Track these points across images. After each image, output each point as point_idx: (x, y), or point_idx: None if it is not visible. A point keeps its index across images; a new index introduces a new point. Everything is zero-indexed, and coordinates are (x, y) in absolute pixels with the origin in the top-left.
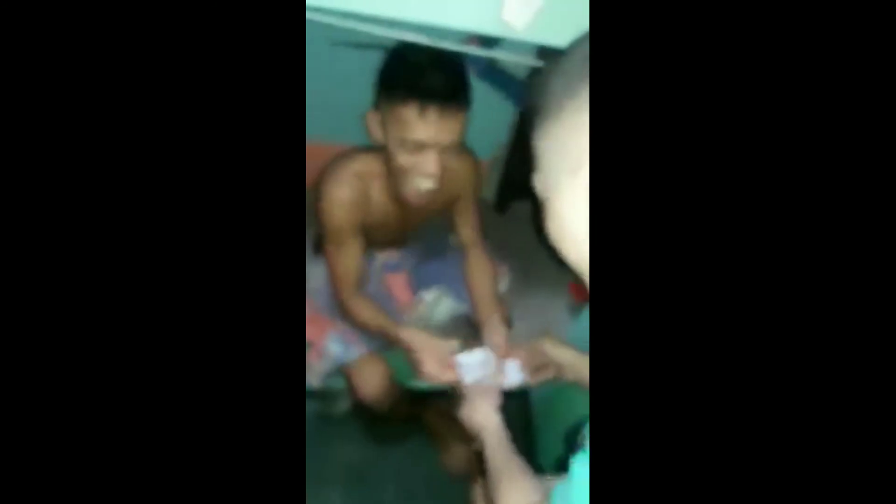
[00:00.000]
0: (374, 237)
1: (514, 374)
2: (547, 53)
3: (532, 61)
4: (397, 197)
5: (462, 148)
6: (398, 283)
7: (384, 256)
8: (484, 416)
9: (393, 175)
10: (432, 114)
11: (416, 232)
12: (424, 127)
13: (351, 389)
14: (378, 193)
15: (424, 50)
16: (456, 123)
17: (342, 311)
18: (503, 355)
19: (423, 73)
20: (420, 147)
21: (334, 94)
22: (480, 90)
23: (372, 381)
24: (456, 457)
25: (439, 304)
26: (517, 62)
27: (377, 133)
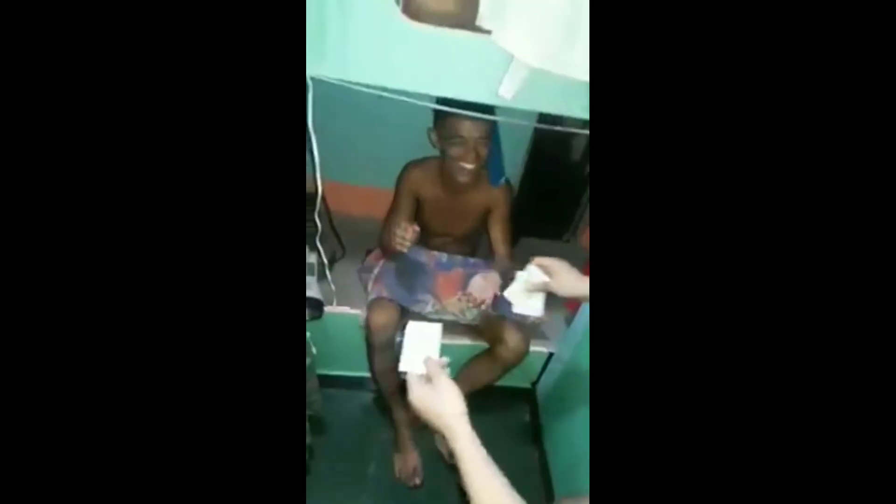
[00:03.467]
0: (430, 225)
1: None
2: (545, 118)
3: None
4: (448, 184)
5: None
6: (447, 279)
7: (436, 256)
8: (440, 404)
9: (446, 167)
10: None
11: (462, 234)
12: (462, 126)
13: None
14: (434, 183)
15: None
16: (482, 122)
17: (384, 238)
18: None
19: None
20: (462, 141)
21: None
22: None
23: (382, 316)
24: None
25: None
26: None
27: (435, 141)
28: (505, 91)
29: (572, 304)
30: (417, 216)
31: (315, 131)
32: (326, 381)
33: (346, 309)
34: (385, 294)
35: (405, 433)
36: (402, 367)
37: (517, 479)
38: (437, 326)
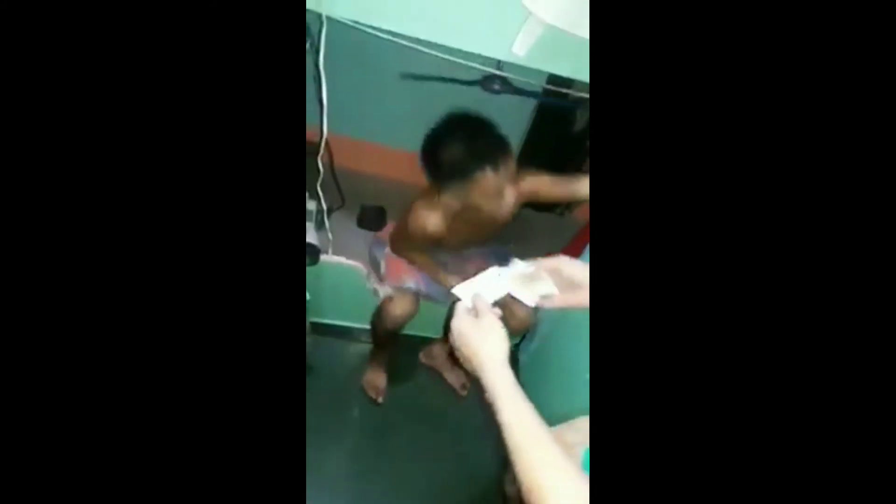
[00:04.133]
0: (451, 242)
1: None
2: (555, 79)
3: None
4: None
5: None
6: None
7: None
8: (481, 343)
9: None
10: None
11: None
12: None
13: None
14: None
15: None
16: (508, 166)
17: (399, 250)
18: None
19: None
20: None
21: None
22: (501, 100)
23: (403, 307)
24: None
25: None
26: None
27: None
28: (518, 47)
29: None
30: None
31: (325, 74)
32: (317, 329)
33: (341, 259)
34: (420, 287)
35: (382, 354)
36: (456, 291)
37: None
38: (520, 271)
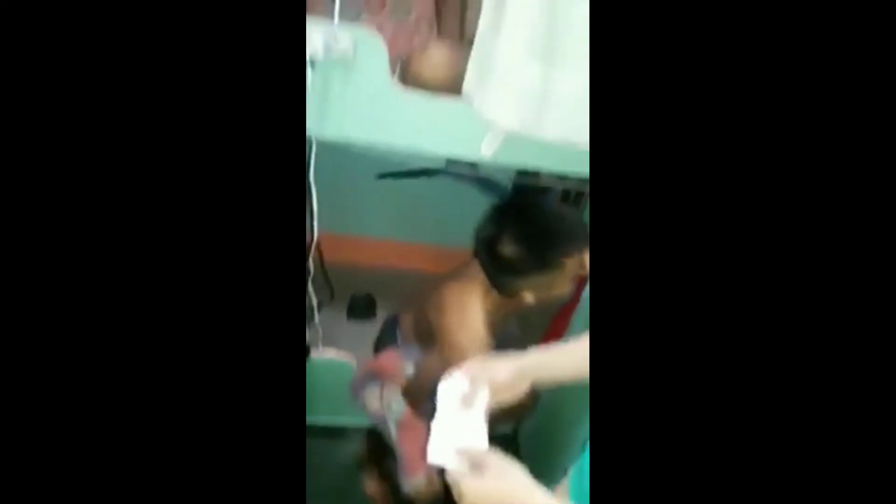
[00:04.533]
0: None
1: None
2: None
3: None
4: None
5: None
6: None
7: None
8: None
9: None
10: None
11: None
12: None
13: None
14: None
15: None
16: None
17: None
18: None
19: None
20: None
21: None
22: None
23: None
24: None
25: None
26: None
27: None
28: (486, 149)
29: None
30: None
31: (315, 185)
32: (310, 431)
33: (331, 352)
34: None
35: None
36: (431, 459)
37: None
38: (480, 408)
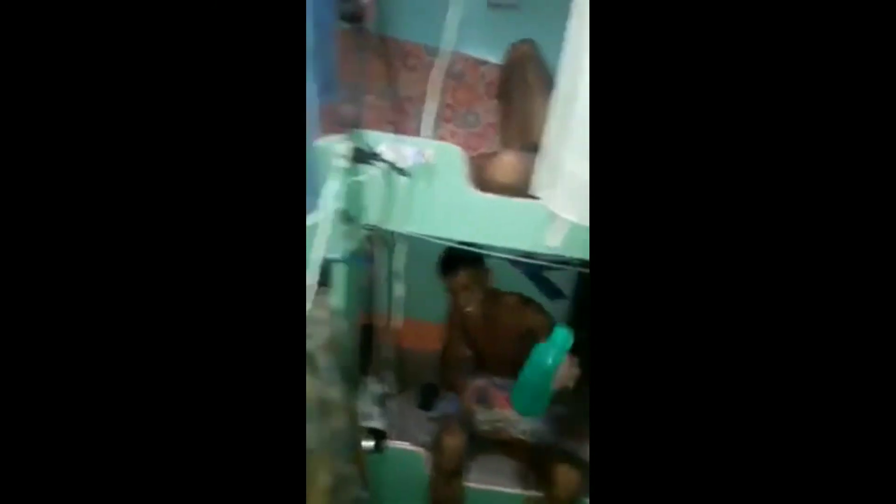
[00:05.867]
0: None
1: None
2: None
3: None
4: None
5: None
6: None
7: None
8: None
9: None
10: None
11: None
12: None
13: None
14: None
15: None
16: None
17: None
18: None
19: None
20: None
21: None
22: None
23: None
24: None
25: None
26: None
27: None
28: (551, 241)
29: None
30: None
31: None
32: None
33: (405, 444)
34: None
35: None
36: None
37: None
38: None
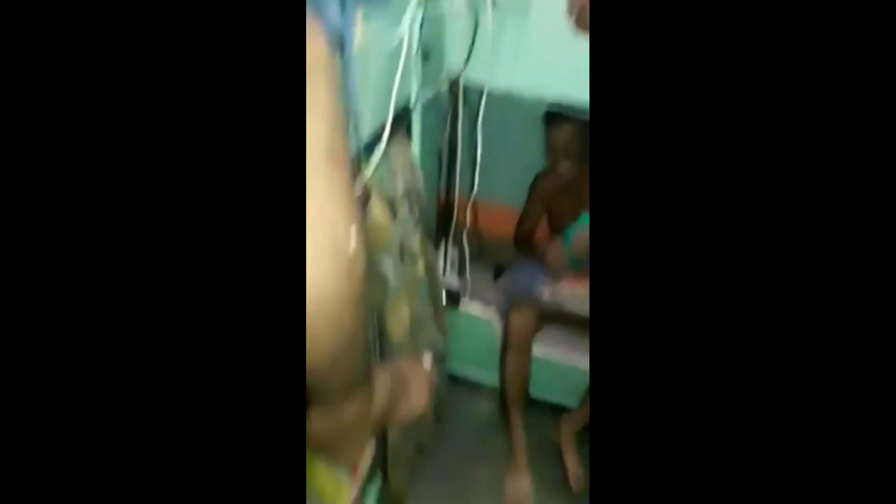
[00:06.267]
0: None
1: None
2: None
3: None
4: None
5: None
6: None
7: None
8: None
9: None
10: None
11: None
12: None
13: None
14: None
15: None
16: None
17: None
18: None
19: None
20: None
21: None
22: None
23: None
24: None
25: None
26: None
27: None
28: None
29: None
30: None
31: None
32: (451, 379)
33: (477, 306)
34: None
35: (521, 456)
36: None
37: None
38: None
